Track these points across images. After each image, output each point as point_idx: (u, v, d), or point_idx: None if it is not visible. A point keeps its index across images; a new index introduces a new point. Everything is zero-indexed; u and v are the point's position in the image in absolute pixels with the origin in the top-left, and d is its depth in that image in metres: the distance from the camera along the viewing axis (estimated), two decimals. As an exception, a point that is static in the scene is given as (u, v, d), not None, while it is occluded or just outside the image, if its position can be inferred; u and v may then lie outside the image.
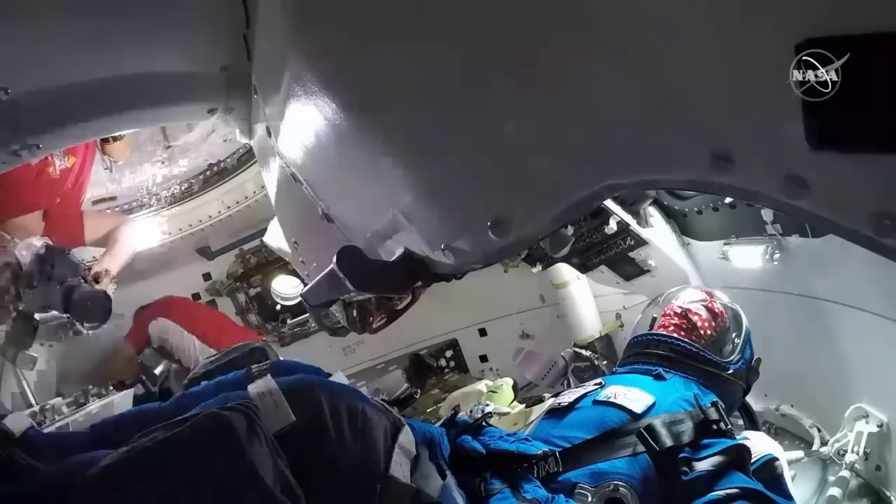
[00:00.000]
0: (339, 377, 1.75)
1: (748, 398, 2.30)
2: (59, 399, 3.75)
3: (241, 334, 4.95)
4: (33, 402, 3.85)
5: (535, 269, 3.97)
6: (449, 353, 5.48)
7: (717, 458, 1.66)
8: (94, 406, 3.74)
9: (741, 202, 2.66)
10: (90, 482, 1.09)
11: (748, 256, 2.83)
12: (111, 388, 4.19)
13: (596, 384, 2.04)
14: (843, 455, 2.43)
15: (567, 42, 0.97)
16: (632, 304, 4.11)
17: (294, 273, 4.89)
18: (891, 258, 0.72)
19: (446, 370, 5.41)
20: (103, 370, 4.51)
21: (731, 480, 1.62)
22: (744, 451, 1.71)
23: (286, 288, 5.14)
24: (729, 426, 1.83)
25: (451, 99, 1.20)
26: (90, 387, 4.03)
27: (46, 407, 3.56)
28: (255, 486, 1.11)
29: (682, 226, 3.30)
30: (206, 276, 5.52)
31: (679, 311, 2.23)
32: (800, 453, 2.68)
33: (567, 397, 2.02)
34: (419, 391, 2.84)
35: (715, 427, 1.79)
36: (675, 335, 2.14)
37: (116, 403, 3.91)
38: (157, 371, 4.73)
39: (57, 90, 1.82)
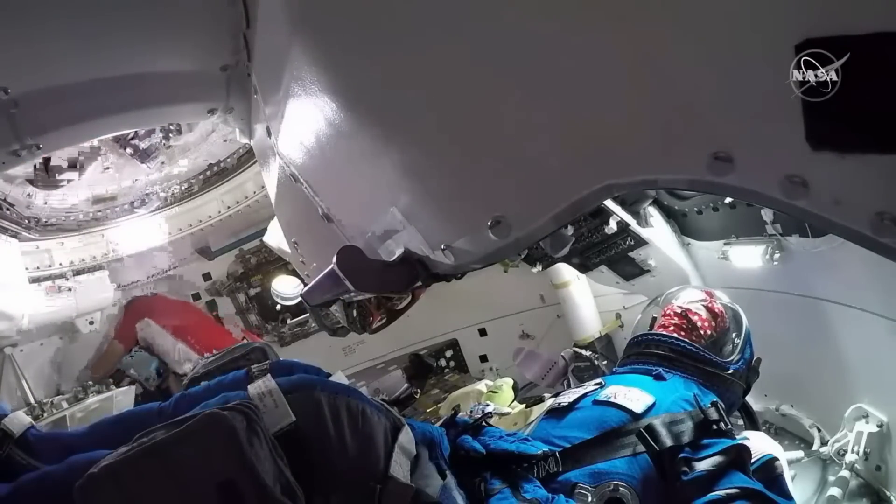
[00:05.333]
0: (339, 377, 1.74)
1: (748, 398, 2.29)
2: (60, 397, 3.77)
3: (229, 338, 4.99)
4: (32, 399, 3.87)
5: (535, 269, 3.97)
6: (449, 353, 5.48)
7: (717, 458, 1.66)
8: (93, 400, 3.76)
9: (741, 202, 2.66)
10: (91, 482, 1.09)
11: (748, 256, 2.83)
12: (112, 384, 4.22)
13: (596, 384, 2.04)
14: (843, 455, 2.43)
15: (567, 42, 0.97)
16: (632, 304, 4.12)
17: (294, 273, 4.90)
18: (891, 258, 0.72)
19: (446, 370, 5.41)
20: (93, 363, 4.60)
21: (730, 480, 1.61)
22: (744, 451, 1.71)
23: (286, 288, 5.15)
24: (729, 426, 1.83)
25: (452, 99, 1.20)
26: (90, 383, 4.05)
27: (45, 402, 3.58)
28: (254, 486, 1.11)
29: (682, 226, 3.30)
30: (206, 276, 5.53)
31: (679, 311, 2.22)
32: (800, 453, 2.68)
33: (567, 397, 2.01)
34: (419, 391, 2.85)
35: (715, 427, 1.78)
36: (675, 335, 2.13)
37: (117, 401, 3.93)
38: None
39: (57, 90, 1.82)
